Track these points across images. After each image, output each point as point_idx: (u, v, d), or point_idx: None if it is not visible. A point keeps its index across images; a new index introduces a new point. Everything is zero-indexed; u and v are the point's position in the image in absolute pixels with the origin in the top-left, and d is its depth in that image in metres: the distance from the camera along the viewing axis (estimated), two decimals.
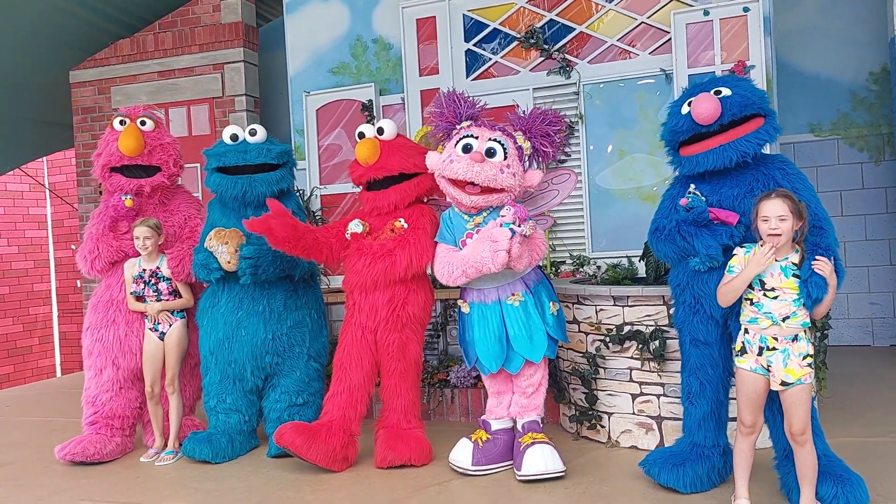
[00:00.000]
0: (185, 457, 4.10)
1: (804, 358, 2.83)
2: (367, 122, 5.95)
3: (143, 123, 4.42)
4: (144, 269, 4.20)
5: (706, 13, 5.07)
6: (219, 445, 4.06)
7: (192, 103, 7.33)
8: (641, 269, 4.38)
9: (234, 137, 4.20)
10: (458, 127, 3.67)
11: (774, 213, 2.83)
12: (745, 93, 3.15)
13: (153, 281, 4.19)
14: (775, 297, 2.85)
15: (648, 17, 5.30)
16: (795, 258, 2.87)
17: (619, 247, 5.26)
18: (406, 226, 3.83)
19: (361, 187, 4.07)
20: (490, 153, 3.46)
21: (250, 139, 4.20)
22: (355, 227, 3.86)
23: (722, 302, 2.97)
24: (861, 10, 6.15)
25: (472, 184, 3.44)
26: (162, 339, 4.22)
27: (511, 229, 3.29)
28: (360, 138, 4.00)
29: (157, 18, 7.47)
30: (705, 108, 3.11)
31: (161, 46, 7.43)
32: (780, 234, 2.82)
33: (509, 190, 3.49)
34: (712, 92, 3.19)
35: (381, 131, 3.98)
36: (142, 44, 7.49)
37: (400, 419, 3.89)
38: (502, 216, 3.37)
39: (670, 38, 5.18)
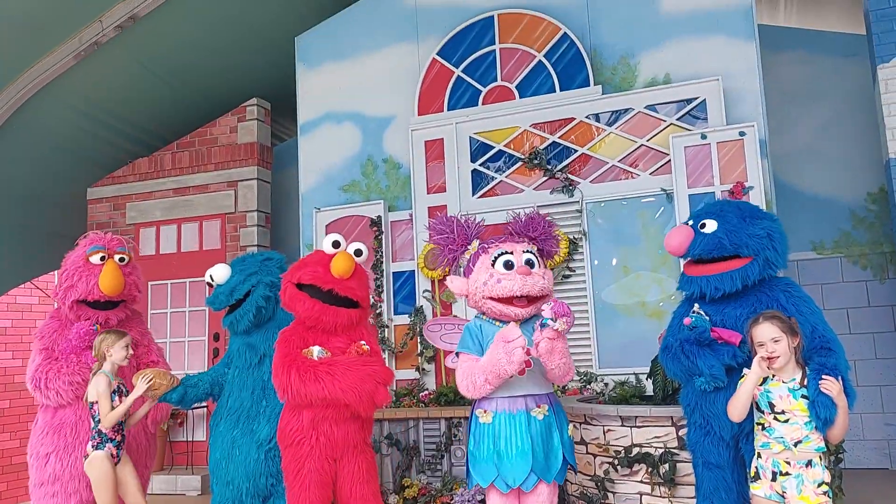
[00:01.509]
0: None
1: (819, 486, 2.74)
2: (375, 236, 6.06)
3: (121, 260, 4.52)
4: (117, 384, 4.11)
5: (704, 137, 5.25)
6: None
7: (205, 219, 7.50)
8: (649, 387, 4.32)
9: (209, 285, 4.36)
10: (468, 248, 3.72)
11: (767, 337, 2.85)
12: (725, 234, 3.28)
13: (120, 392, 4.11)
14: (786, 421, 2.80)
15: (648, 140, 5.49)
16: (802, 377, 2.85)
17: (626, 363, 5.21)
18: (368, 348, 3.83)
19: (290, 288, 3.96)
20: (530, 264, 3.51)
21: (213, 282, 4.31)
22: (321, 353, 3.78)
23: (732, 416, 2.92)
24: (855, 134, 6.36)
25: (520, 297, 3.46)
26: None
27: (546, 323, 3.28)
28: (335, 247, 4.00)
29: (176, 139, 7.79)
30: (671, 241, 3.40)
31: (178, 165, 7.70)
32: (778, 356, 2.81)
33: (549, 294, 3.56)
34: (699, 224, 3.37)
35: (358, 253, 3.99)
36: (159, 162, 7.77)
37: None
38: (542, 310, 3.35)
39: (670, 160, 5.34)
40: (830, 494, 2.77)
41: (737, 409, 2.89)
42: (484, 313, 3.58)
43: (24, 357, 9.22)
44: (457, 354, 3.62)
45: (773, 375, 2.86)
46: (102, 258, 4.43)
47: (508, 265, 3.50)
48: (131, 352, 4.17)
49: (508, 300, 3.47)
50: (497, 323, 3.53)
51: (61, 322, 4.43)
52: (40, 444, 4.27)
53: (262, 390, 4.15)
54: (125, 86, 7.13)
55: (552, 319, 3.28)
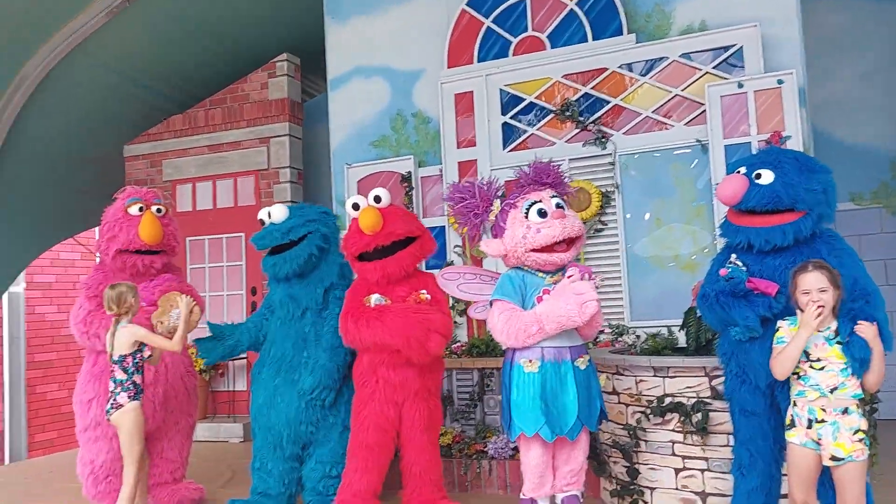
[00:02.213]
0: None
1: (856, 433, 2.76)
2: (406, 192, 6.09)
3: (158, 211, 4.62)
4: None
5: (740, 86, 5.15)
6: None
7: (239, 175, 7.60)
8: (682, 339, 4.34)
9: (261, 222, 4.38)
10: (491, 209, 3.71)
11: (815, 286, 2.83)
12: (783, 187, 3.13)
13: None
14: (822, 368, 2.82)
15: (683, 90, 5.40)
16: (836, 327, 2.85)
17: (658, 316, 5.22)
18: (429, 297, 3.88)
19: (353, 260, 4.10)
20: (561, 207, 3.53)
21: (268, 220, 4.34)
22: (379, 300, 3.88)
23: (778, 373, 2.92)
24: None
25: (560, 242, 3.47)
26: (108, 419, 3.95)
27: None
28: (355, 209, 4.06)
29: (209, 96, 7.85)
30: (725, 190, 3.23)
31: (211, 122, 7.77)
32: (823, 306, 2.80)
33: (584, 236, 3.57)
34: (754, 174, 3.21)
35: (377, 199, 4.04)
36: (193, 119, 7.85)
37: (433, 491, 3.88)
38: (569, 276, 3.40)
39: (705, 110, 5.25)
40: (867, 442, 2.79)
41: (785, 366, 2.86)
42: (524, 267, 3.60)
43: (68, 310, 9.53)
44: (490, 303, 3.66)
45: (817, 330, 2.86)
46: (140, 209, 4.55)
47: (542, 213, 3.50)
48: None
49: (550, 248, 3.49)
50: (540, 274, 3.55)
51: (105, 274, 4.56)
52: (83, 391, 4.46)
53: (303, 341, 4.26)
54: (157, 43, 7.18)
55: (587, 278, 3.34)
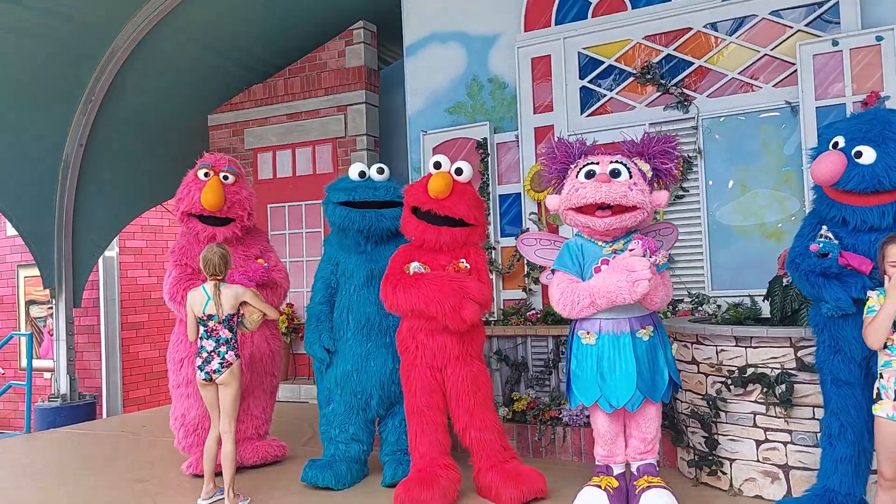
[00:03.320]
0: (306, 483, 4.23)
1: None
2: (481, 159, 6.07)
3: (225, 178, 4.70)
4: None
5: (835, 43, 4.87)
6: (340, 472, 4.20)
7: (317, 143, 7.74)
8: (766, 309, 4.20)
9: (363, 174, 4.41)
10: (571, 167, 3.67)
11: None
12: (885, 171, 2.92)
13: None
14: None
15: (772, 49, 5.15)
16: None
17: (741, 285, 5.06)
18: (468, 266, 3.88)
19: (407, 210, 4.12)
20: (615, 174, 3.42)
21: (377, 177, 4.41)
22: (418, 268, 3.91)
23: (871, 343, 2.80)
24: None
25: (602, 207, 3.40)
26: (210, 381, 3.99)
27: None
28: (435, 168, 4.06)
29: (288, 65, 7.98)
30: (822, 172, 3.01)
31: (290, 90, 7.92)
32: None
33: (641, 207, 3.39)
34: (854, 152, 3.00)
35: (459, 172, 4.03)
36: (273, 88, 8.02)
37: (500, 452, 3.89)
38: (631, 249, 3.33)
39: (796, 70, 5.00)
40: None
41: (878, 335, 2.76)
42: (575, 228, 3.57)
43: (158, 275, 9.99)
44: (552, 271, 3.63)
45: None
46: (207, 174, 4.66)
47: (590, 174, 3.44)
48: None
49: (589, 209, 3.42)
50: (599, 243, 3.50)
51: (189, 240, 4.73)
52: (175, 350, 4.69)
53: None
54: (238, 14, 7.34)
55: (647, 256, 3.25)
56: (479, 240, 4.12)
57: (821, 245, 2.96)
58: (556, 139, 3.81)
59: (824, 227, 3.07)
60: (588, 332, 3.45)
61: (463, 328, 3.79)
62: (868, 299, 2.83)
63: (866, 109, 4.22)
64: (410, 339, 3.98)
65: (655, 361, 3.46)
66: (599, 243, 3.51)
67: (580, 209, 3.44)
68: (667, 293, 3.45)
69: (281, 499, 4.11)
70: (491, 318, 5.61)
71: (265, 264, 4.62)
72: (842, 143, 3.06)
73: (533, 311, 5.51)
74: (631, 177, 3.45)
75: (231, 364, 3.96)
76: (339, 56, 7.71)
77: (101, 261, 9.12)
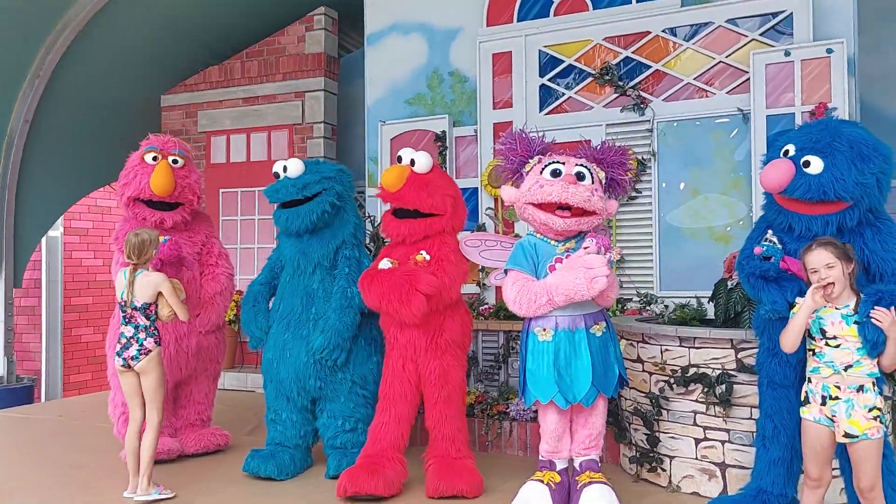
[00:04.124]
0: (248, 473, 4.17)
1: (870, 410, 2.73)
2: (439, 152, 6.05)
3: (174, 162, 4.56)
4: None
5: (787, 54, 4.99)
6: (282, 462, 4.15)
7: (273, 129, 7.62)
8: (711, 311, 4.29)
9: (276, 175, 4.33)
10: (529, 162, 3.68)
11: (821, 263, 2.79)
12: (831, 182, 2.97)
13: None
14: (837, 346, 2.79)
15: (727, 57, 5.25)
16: (855, 304, 2.80)
17: (688, 286, 5.15)
18: (428, 258, 3.87)
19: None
20: (580, 177, 3.45)
21: (283, 174, 4.28)
22: (384, 265, 3.90)
23: (784, 347, 2.91)
24: None
25: (563, 207, 3.41)
26: (128, 368, 3.83)
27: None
28: (398, 161, 4.05)
29: (246, 48, 7.84)
30: (771, 179, 3.07)
31: (247, 74, 7.78)
32: (832, 283, 2.75)
33: (599, 213, 3.45)
34: (802, 161, 3.05)
35: (412, 162, 4.00)
36: (229, 71, 7.86)
37: (448, 447, 3.89)
38: (585, 247, 3.37)
39: (749, 79, 5.10)
40: (883, 419, 2.75)
41: (789, 340, 2.86)
42: (530, 224, 3.59)
43: (104, 257, 9.75)
44: (505, 271, 3.65)
45: (827, 303, 2.82)
46: (155, 158, 4.52)
47: (556, 173, 3.46)
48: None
49: (550, 208, 3.44)
50: (552, 242, 3.53)
51: (133, 224, 4.59)
52: (113, 337, 4.54)
53: (310, 298, 4.28)
54: None
55: (601, 253, 3.29)
56: (446, 229, 4.01)
57: (764, 248, 3.05)
58: (517, 131, 3.80)
59: (770, 231, 3.15)
60: (545, 329, 3.46)
61: (414, 320, 3.76)
62: (794, 304, 2.94)
63: (817, 120, 4.34)
64: (387, 331, 4.01)
65: (607, 357, 3.51)
66: (552, 242, 3.53)
67: (541, 205, 3.45)
68: (616, 289, 3.50)
69: (222, 489, 4.04)
70: None
71: (163, 239, 4.27)
72: (792, 152, 3.12)
73: (486, 306, 5.53)
74: (592, 182, 3.48)
75: (150, 351, 3.81)
76: (299, 41, 7.60)
77: (44, 241, 8.85)
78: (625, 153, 3.71)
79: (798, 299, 2.92)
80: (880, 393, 2.78)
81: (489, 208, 5.94)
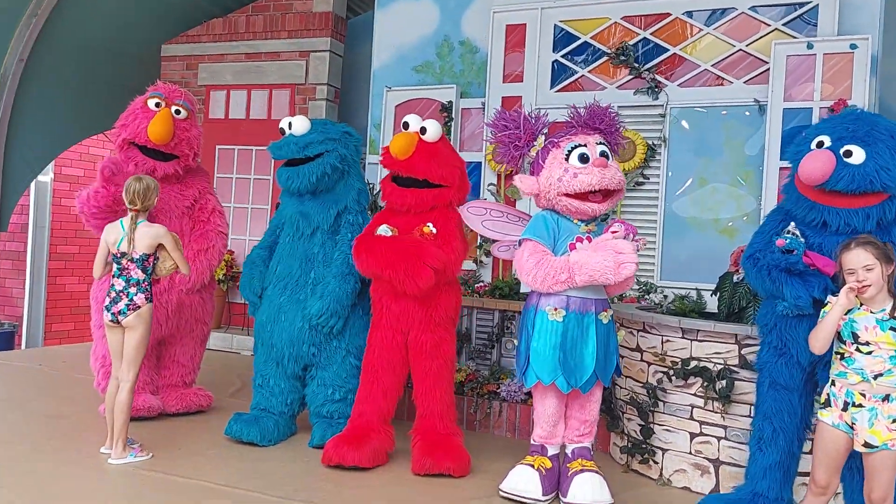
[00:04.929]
0: (230, 437, 4.07)
1: (894, 421, 2.63)
2: (444, 122, 5.90)
3: (177, 112, 4.42)
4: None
5: (810, 46, 4.85)
6: (266, 428, 4.05)
7: (275, 87, 7.43)
8: (711, 304, 4.21)
9: (282, 131, 4.19)
10: (534, 145, 3.55)
11: (859, 264, 2.66)
12: (876, 171, 2.84)
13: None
14: (869, 353, 2.67)
15: (747, 45, 5.11)
16: (893, 308, 2.68)
17: (689, 278, 5.07)
18: (435, 231, 3.76)
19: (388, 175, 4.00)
20: (605, 157, 3.35)
21: (288, 131, 4.14)
22: (384, 231, 3.79)
23: (813, 348, 2.78)
24: None
25: (596, 192, 3.31)
26: (116, 323, 3.69)
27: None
28: (404, 128, 3.91)
29: (252, 1, 7.60)
30: (813, 170, 2.89)
31: (251, 29, 7.56)
32: (869, 285, 2.64)
33: (623, 191, 3.40)
34: (843, 151, 2.92)
35: (423, 130, 3.87)
36: (233, 25, 7.64)
37: (436, 423, 3.81)
38: (614, 231, 3.25)
39: (768, 69, 4.97)
40: None
41: (819, 340, 2.74)
42: (557, 211, 3.45)
43: None
44: (519, 243, 3.52)
45: (861, 305, 2.70)
46: (158, 105, 4.38)
47: (584, 158, 3.34)
48: None
49: (584, 195, 3.33)
50: (576, 221, 3.41)
51: (124, 165, 4.38)
52: (98, 289, 4.40)
53: (310, 262, 4.16)
54: None
55: (628, 239, 3.19)
56: (452, 201, 3.91)
57: (788, 240, 2.92)
58: (512, 111, 3.62)
59: (792, 223, 3.02)
60: (556, 309, 3.34)
61: (418, 293, 3.66)
62: (826, 303, 2.80)
63: (844, 110, 4.21)
64: (377, 299, 3.88)
65: (609, 345, 3.43)
66: (575, 221, 3.42)
67: (577, 195, 3.32)
68: (630, 283, 3.41)
69: (202, 451, 3.94)
70: None
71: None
72: (828, 143, 2.98)
73: (481, 284, 5.42)
74: (612, 158, 3.37)
75: (139, 307, 3.66)
76: None
77: (33, 185, 8.65)
78: (615, 115, 3.59)
79: (830, 297, 2.79)
80: None
81: (491, 184, 5.81)
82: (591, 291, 3.36)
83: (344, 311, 4.03)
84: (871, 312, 2.68)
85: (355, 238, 3.90)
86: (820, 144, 2.98)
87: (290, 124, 4.15)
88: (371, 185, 5.81)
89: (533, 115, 3.60)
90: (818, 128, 3.14)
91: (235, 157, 7.55)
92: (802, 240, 2.96)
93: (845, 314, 2.71)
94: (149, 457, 3.73)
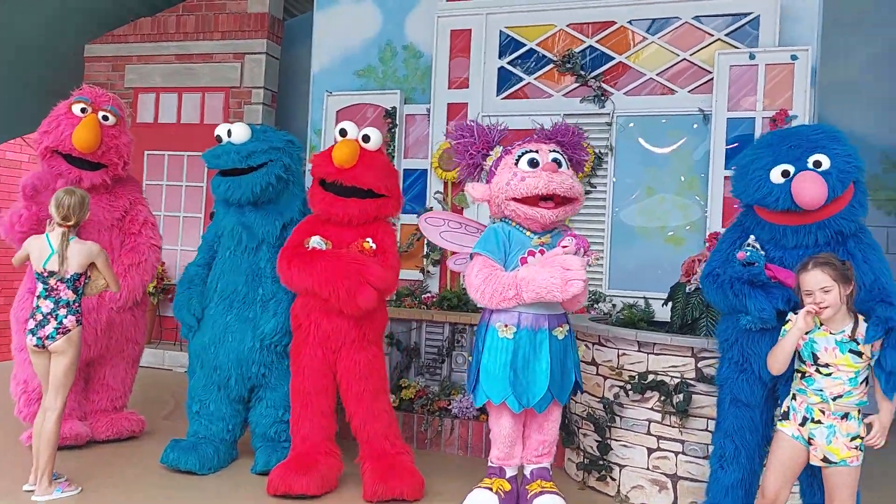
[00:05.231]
0: (167, 466, 3.81)
1: (852, 439, 2.62)
2: (388, 129, 5.74)
3: (105, 118, 4.15)
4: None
5: (752, 57, 4.91)
6: (205, 455, 3.80)
7: (208, 90, 7.11)
8: (660, 313, 4.18)
9: (219, 139, 3.96)
10: (490, 154, 3.46)
11: (817, 286, 2.62)
12: (843, 163, 2.83)
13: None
14: (829, 374, 2.64)
15: (692, 55, 5.14)
16: (853, 329, 2.64)
17: (637, 286, 5.07)
18: (374, 247, 3.63)
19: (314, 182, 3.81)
20: (557, 163, 3.25)
21: (226, 139, 3.92)
22: (318, 244, 3.61)
23: (771, 368, 2.76)
24: None
25: (547, 198, 3.19)
26: (42, 348, 3.40)
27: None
28: (341, 135, 3.74)
29: (183, 0, 7.26)
30: (812, 193, 2.77)
31: (182, 29, 7.22)
32: (827, 307, 2.61)
33: (580, 200, 3.28)
34: (811, 162, 2.86)
35: (366, 139, 3.74)
36: (163, 24, 7.28)
37: (384, 444, 3.64)
38: (564, 246, 3.15)
39: (712, 79, 5.01)
40: (862, 448, 2.65)
41: (778, 362, 2.71)
42: (509, 219, 3.34)
43: None
44: (471, 257, 3.40)
45: (821, 325, 2.68)
46: (83, 110, 4.10)
47: (533, 163, 3.25)
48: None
49: (534, 200, 3.22)
50: (528, 233, 3.30)
51: (48, 178, 4.11)
52: (21, 308, 4.07)
53: (257, 277, 3.94)
54: None
55: (580, 254, 3.10)
56: (392, 212, 3.82)
57: (748, 253, 2.88)
58: (470, 122, 3.55)
59: (752, 237, 2.99)
60: (506, 325, 3.22)
61: (358, 314, 3.51)
62: (787, 321, 2.77)
63: (780, 129, 4.23)
64: (304, 316, 3.65)
65: (566, 361, 3.32)
66: (527, 233, 3.30)
67: (524, 199, 3.21)
68: (586, 295, 3.30)
69: (136, 481, 3.67)
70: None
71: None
72: (792, 170, 2.89)
73: (428, 294, 5.28)
74: (568, 166, 3.27)
75: (69, 331, 3.38)
76: None
77: None
78: (581, 132, 3.53)
79: (791, 315, 2.75)
80: (863, 421, 2.67)
81: (438, 192, 5.68)
82: (544, 307, 3.24)
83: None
84: (831, 333, 2.65)
85: (282, 249, 3.70)
86: (786, 174, 2.92)
87: (228, 132, 3.91)
88: None
89: (490, 126, 3.50)
90: (767, 155, 3.00)
91: (166, 163, 7.19)
92: (762, 252, 2.92)
93: (805, 334, 2.68)
94: (77, 491, 3.44)
